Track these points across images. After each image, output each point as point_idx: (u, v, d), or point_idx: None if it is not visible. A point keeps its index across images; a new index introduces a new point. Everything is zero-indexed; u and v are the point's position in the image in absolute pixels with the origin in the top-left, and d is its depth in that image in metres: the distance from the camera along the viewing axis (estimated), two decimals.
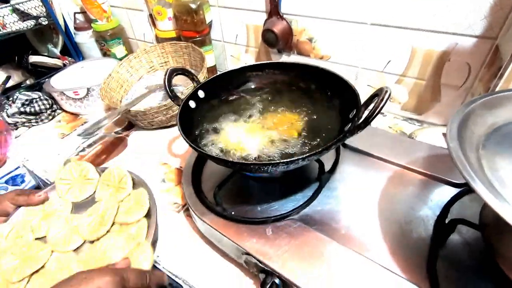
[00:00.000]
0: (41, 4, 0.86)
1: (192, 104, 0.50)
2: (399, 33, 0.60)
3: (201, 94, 0.52)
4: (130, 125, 0.81)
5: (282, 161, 0.34)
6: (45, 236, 0.50)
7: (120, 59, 0.96)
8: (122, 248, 0.46)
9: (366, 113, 0.40)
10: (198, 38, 0.85)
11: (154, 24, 0.95)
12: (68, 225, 0.50)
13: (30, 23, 0.85)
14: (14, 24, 0.84)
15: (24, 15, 0.84)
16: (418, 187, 0.46)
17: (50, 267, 0.46)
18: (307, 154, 0.34)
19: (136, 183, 0.56)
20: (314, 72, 0.52)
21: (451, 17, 0.54)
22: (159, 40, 0.95)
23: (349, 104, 0.44)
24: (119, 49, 1.00)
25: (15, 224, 0.51)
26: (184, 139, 0.40)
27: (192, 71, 0.89)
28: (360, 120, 0.37)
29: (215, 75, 0.54)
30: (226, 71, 0.55)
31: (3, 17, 0.82)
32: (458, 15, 0.53)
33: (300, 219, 0.43)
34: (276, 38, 0.73)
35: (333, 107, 0.49)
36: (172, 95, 0.47)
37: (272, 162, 0.35)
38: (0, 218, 0.52)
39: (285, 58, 0.80)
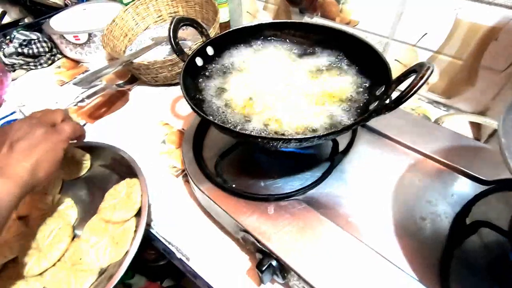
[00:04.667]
0: None
1: (199, 61, 0.45)
2: (442, 0, 0.52)
3: (210, 51, 0.46)
4: (133, 79, 0.76)
5: (294, 137, 0.30)
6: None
7: (127, 5, 0.88)
8: (103, 254, 0.41)
9: (395, 92, 0.34)
10: None
11: None
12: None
13: None
14: None
15: None
16: (439, 179, 0.42)
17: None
18: (324, 133, 0.30)
19: (132, 168, 0.47)
20: (340, 38, 0.46)
21: None
22: None
23: (378, 79, 0.38)
24: None
25: None
26: (186, 99, 0.36)
27: (203, 25, 0.82)
28: (390, 100, 0.31)
29: (227, 31, 0.48)
30: (240, 26, 0.49)
31: None
32: None
33: (305, 200, 0.39)
34: None
35: (360, 80, 0.43)
36: (177, 48, 0.42)
37: (283, 137, 0.31)
38: None
39: (307, 20, 0.72)
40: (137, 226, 0.41)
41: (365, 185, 0.42)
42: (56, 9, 0.85)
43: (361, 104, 0.39)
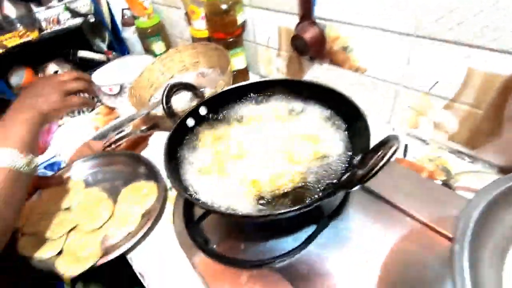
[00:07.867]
0: (89, 2, 0.91)
1: (190, 122, 0.47)
2: (452, 49, 0.48)
3: (203, 111, 0.49)
4: (155, 124, 0.83)
5: (256, 214, 0.30)
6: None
7: (158, 55, 0.98)
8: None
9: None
10: (230, 40, 0.81)
11: (190, 23, 0.94)
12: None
13: (78, 20, 0.91)
14: (67, 21, 0.91)
15: (74, 13, 0.90)
16: (442, 256, 0.36)
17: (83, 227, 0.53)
18: (279, 212, 0.29)
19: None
20: (332, 97, 0.45)
21: None
22: (194, 39, 0.94)
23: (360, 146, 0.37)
24: (158, 46, 1.02)
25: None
26: (170, 179, 0.37)
27: (218, 71, 0.87)
28: (357, 174, 0.30)
29: (222, 90, 0.50)
30: (235, 85, 0.51)
31: (58, 14, 0.89)
32: None
33: (281, 269, 0.37)
34: (306, 46, 0.66)
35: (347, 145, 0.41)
36: (168, 112, 0.45)
37: (247, 215, 0.30)
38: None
39: (317, 68, 0.72)
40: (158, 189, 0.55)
41: (351, 255, 0.38)
42: (100, 63, 0.99)
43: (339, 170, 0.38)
